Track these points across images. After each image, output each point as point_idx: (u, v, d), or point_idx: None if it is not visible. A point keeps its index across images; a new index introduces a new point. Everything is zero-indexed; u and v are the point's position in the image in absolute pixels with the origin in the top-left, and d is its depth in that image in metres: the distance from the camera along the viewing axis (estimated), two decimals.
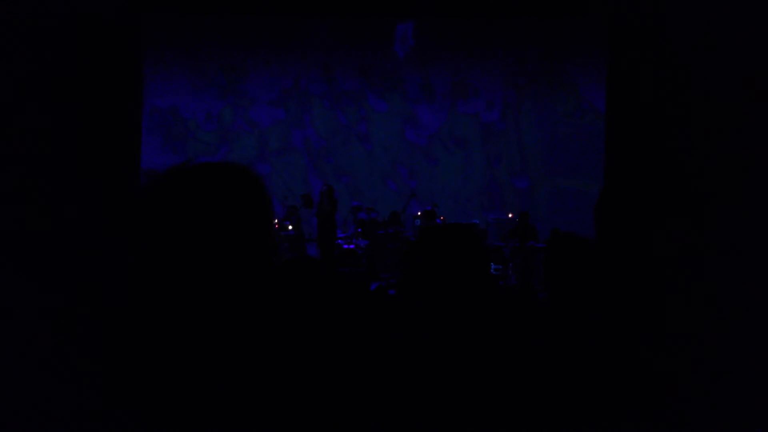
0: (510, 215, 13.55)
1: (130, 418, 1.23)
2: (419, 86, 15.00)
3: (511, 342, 1.69)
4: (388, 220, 12.62)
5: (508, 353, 1.67)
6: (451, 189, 14.69)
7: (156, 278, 1.28)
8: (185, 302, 1.29)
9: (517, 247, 11.62)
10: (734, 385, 1.62)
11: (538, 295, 2.22)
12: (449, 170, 14.91)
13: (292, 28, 14.49)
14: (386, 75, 14.97)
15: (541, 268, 10.55)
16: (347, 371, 1.60)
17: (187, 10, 11.90)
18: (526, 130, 14.93)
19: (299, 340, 1.63)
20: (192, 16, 13.78)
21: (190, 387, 1.27)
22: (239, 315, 1.33)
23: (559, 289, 2.02)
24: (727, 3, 2.30)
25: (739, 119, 2.22)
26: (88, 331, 1.28)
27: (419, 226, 12.02)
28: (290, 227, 12.47)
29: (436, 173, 14.91)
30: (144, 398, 1.25)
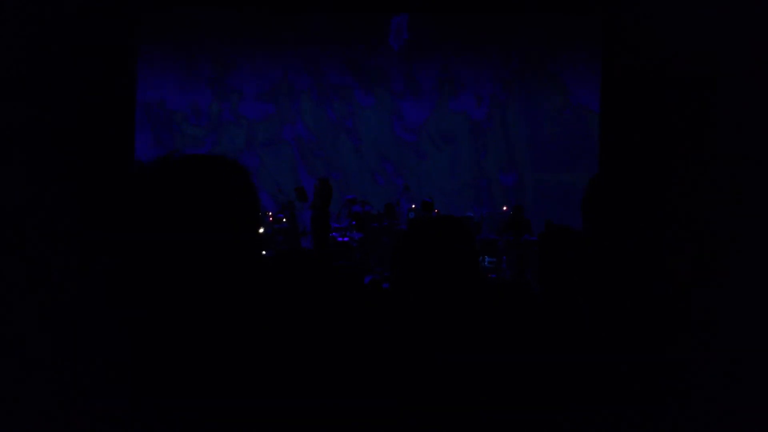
0: (504, 208, 13.58)
1: (125, 417, 1.23)
2: (407, 81, 15.02)
3: (503, 334, 1.70)
4: (383, 213, 12.62)
5: (500, 345, 1.68)
6: (439, 184, 14.72)
7: (144, 272, 1.28)
8: (175, 296, 1.28)
9: (511, 241, 11.65)
10: (729, 374, 1.63)
11: (532, 287, 2.23)
12: (437, 165, 14.97)
13: (280, 23, 14.48)
14: (374, 70, 14.99)
15: (535, 261, 10.59)
16: (340, 365, 1.60)
17: (176, 3, 11.85)
18: (514, 125, 14.98)
19: (292, 333, 1.63)
20: (180, 9, 13.75)
21: (183, 383, 1.28)
22: (229, 308, 1.32)
23: (553, 281, 2.03)
24: (724, 3, 2.31)
25: (731, 118, 2.23)
26: (84, 329, 1.28)
27: (414, 218, 12.03)
28: (284, 220, 12.47)
29: (424, 168, 14.95)
30: (137, 395, 1.25)
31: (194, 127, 15.02)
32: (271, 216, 12.49)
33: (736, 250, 2.05)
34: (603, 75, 3.51)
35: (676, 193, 1.85)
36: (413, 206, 12.78)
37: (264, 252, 10.88)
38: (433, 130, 15.06)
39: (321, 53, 14.87)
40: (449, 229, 1.81)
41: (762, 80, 2.30)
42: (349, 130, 15.10)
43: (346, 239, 12.04)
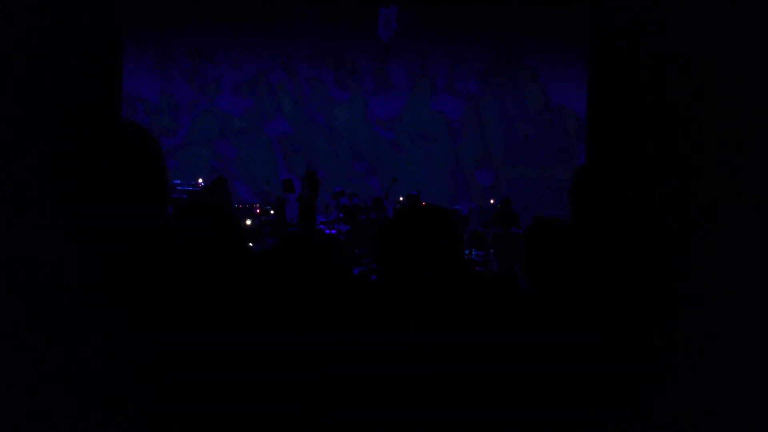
0: (492, 201, 13.63)
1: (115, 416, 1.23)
2: (387, 77, 15.04)
3: (490, 327, 1.70)
4: (371, 205, 12.63)
5: (488, 338, 1.68)
6: (418, 178, 14.74)
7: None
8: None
9: (499, 234, 11.67)
10: (714, 369, 1.64)
11: (519, 280, 2.23)
12: (415, 160, 15.04)
13: (258, 15, 14.47)
14: (353, 65, 15.01)
15: (522, 254, 10.53)
16: (334, 362, 1.60)
17: None
18: (491, 122, 15.05)
19: (290, 324, 1.64)
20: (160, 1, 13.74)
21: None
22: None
23: (540, 274, 2.03)
24: (717, 2, 2.32)
25: (723, 111, 2.24)
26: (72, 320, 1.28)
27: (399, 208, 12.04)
28: (272, 212, 12.46)
29: (402, 163, 14.99)
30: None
31: (172, 120, 15.00)
32: (258, 208, 12.47)
33: (727, 242, 2.06)
34: (591, 65, 3.52)
35: (665, 185, 1.86)
36: (400, 198, 12.82)
37: (251, 244, 10.85)
38: (410, 126, 15.11)
39: (298, 47, 14.88)
40: (434, 220, 1.79)
41: (755, 76, 2.31)
42: (325, 125, 15.14)
43: (333, 231, 12.03)
